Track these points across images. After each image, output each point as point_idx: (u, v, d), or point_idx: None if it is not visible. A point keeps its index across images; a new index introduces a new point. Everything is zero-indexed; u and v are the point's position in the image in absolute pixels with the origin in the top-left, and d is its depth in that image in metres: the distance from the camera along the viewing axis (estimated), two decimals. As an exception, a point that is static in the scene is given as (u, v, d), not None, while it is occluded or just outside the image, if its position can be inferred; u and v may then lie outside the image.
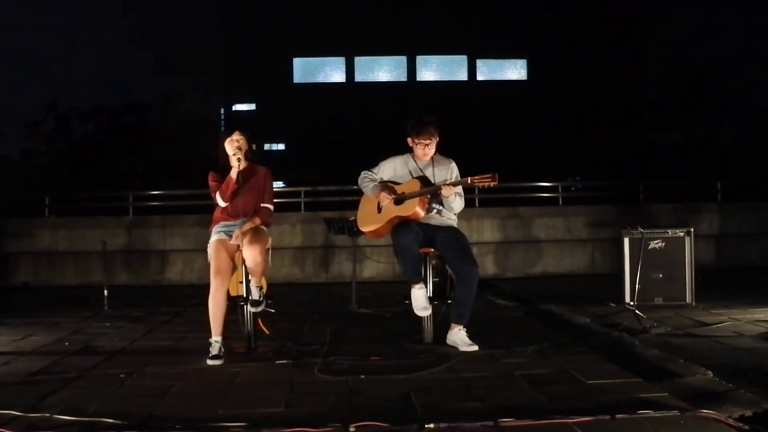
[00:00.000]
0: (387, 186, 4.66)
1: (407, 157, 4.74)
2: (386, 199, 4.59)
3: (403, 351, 4.51)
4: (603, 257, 9.70)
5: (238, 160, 4.48)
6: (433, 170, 4.65)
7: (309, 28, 32.60)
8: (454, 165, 4.70)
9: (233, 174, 4.48)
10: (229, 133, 4.60)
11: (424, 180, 4.62)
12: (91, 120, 22.31)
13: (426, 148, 4.62)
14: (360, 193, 4.93)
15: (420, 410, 3.18)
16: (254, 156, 4.66)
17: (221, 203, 4.54)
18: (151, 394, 3.55)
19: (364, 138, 27.72)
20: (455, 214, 4.72)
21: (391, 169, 4.74)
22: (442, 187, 4.44)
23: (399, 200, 4.60)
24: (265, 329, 4.85)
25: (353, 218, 5.45)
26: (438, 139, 4.64)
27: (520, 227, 9.83)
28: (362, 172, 4.81)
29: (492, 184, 4.29)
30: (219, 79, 34.02)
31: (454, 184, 4.51)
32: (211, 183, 4.61)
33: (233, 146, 4.54)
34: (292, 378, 3.84)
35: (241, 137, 4.58)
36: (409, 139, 4.66)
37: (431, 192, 4.53)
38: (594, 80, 32.12)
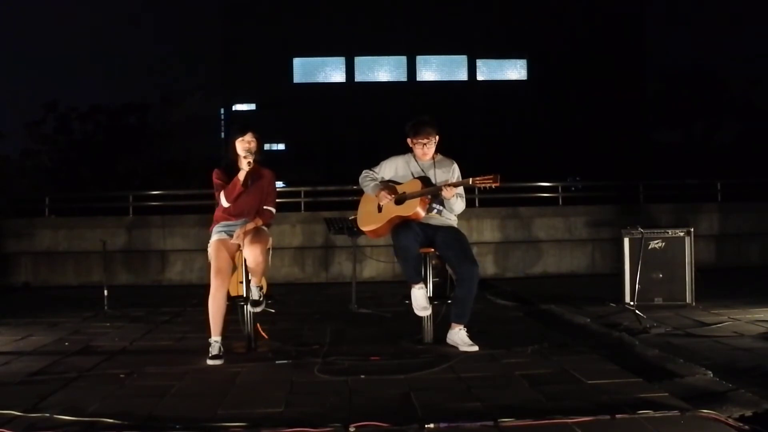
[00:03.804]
0: (388, 185, 4.66)
1: (409, 156, 4.74)
2: (386, 199, 4.59)
3: (403, 351, 4.51)
4: (603, 257, 9.69)
5: (248, 163, 4.43)
6: (435, 171, 4.65)
7: (309, 28, 32.62)
8: (455, 166, 4.70)
9: (241, 176, 4.43)
10: (243, 133, 4.51)
11: (425, 180, 4.61)
12: (91, 120, 22.27)
13: (425, 148, 4.62)
14: (360, 193, 4.92)
15: (420, 410, 3.18)
16: (261, 158, 4.58)
17: (224, 204, 4.50)
18: (151, 394, 3.55)
19: (364, 138, 27.76)
20: (456, 215, 4.72)
21: (392, 168, 4.74)
22: (443, 188, 4.44)
23: (399, 200, 4.60)
24: (263, 333, 4.83)
25: (353, 217, 5.46)
26: (437, 138, 4.64)
27: (520, 227, 9.82)
28: (363, 171, 4.81)
29: (493, 185, 4.30)
30: (219, 79, 34.04)
31: (455, 185, 4.50)
32: (216, 181, 4.56)
33: (244, 147, 4.48)
34: (292, 378, 3.84)
35: (254, 139, 4.51)
36: (409, 140, 4.67)
37: (432, 192, 4.53)
38: (594, 80, 32.14)
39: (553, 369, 3.91)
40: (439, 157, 4.72)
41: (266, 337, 4.85)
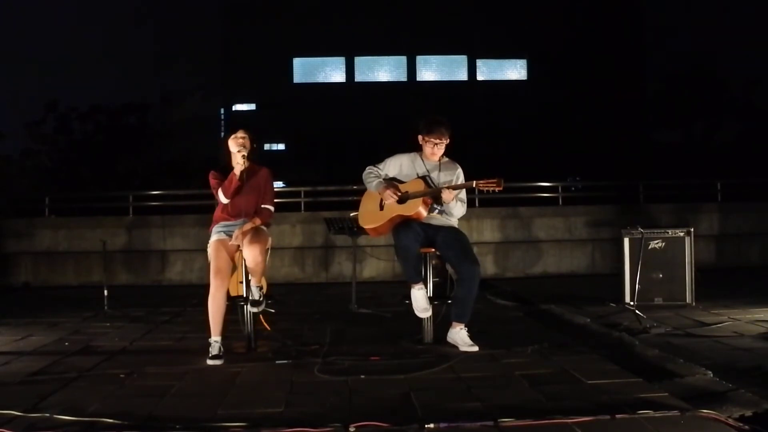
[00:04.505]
0: (391, 184, 4.65)
1: (414, 156, 4.73)
2: (391, 197, 4.58)
3: (403, 351, 4.52)
4: (603, 257, 9.70)
5: (243, 157, 4.45)
6: (439, 173, 4.65)
7: (309, 28, 32.61)
8: (460, 171, 4.69)
9: (237, 171, 4.46)
10: (234, 131, 4.58)
11: (428, 181, 4.61)
12: (91, 120, 22.28)
13: (435, 147, 4.61)
14: (359, 193, 4.92)
15: (420, 410, 3.18)
16: (256, 156, 4.63)
17: (223, 200, 4.52)
18: (151, 394, 3.55)
19: (364, 138, 27.73)
20: (457, 219, 4.71)
21: (396, 166, 4.73)
22: (443, 191, 4.43)
23: (402, 199, 4.59)
24: (266, 325, 4.86)
25: (354, 214, 5.46)
26: (448, 141, 4.64)
27: (520, 227, 9.83)
28: (367, 167, 4.78)
29: (497, 188, 4.31)
30: (219, 79, 34.03)
31: (458, 187, 4.50)
32: (212, 181, 4.60)
33: (237, 144, 4.50)
34: (292, 378, 3.84)
35: (246, 136, 4.55)
36: (420, 136, 4.65)
37: (434, 194, 4.53)
38: (594, 80, 32.13)
39: (553, 369, 3.91)
40: (445, 159, 4.72)
41: (269, 328, 4.86)
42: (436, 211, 4.60)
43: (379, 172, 4.74)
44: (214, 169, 4.66)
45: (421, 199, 4.52)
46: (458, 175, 4.68)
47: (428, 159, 4.67)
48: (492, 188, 4.32)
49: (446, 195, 4.43)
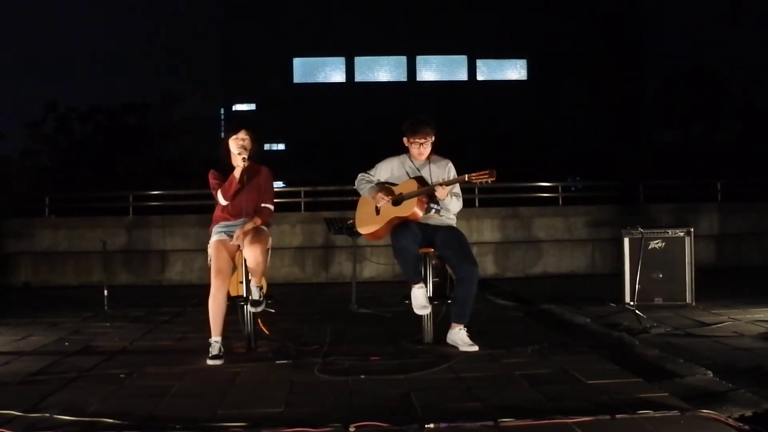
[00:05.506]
0: (384, 187, 4.66)
1: (404, 157, 4.74)
2: (383, 200, 4.58)
3: (403, 351, 4.51)
4: (603, 257, 9.70)
5: (243, 159, 4.45)
6: (430, 170, 4.65)
7: (309, 28, 32.64)
8: (450, 165, 4.71)
9: (237, 173, 4.45)
10: (235, 132, 4.58)
11: (421, 180, 4.61)
12: (91, 120, 22.32)
13: (421, 147, 4.62)
14: (359, 193, 4.92)
15: (420, 410, 3.18)
16: (256, 156, 4.64)
17: (222, 201, 4.52)
18: (151, 394, 3.55)
19: (364, 138, 27.74)
20: (454, 215, 4.72)
21: (387, 170, 4.74)
22: (436, 188, 4.43)
23: (397, 201, 4.59)
24: (264, 329, 4.86)
25: (352, 220, 5.45)
26: (433, 138, 4.64)
27: (520, 227, 9.83)
28: (359, 175, 4.81)
29: (490, 179, 4.28)
30: (219, 79, 34.06)
31: (450, 183, 4.50)
32: (212, 181, 4.59)
33: (238, 145, 4.51)
34: (292, 378, 3.84)
35: (247, 137, 4.55)
36: (405, 139, 4.66)
37: (428, 192, 4.53)
38: (594, 80, 32.15)
39: (553, 369, 3.90)
40: (433, 156, 4.72)
41: (267, 332, 4.86)
42: (433, 210, 4.59)
43: (370, 177, 4.76)
44: (215, 168, 4.66)
45: (416, 199, 4.52)
46: (449, 169, 4.68)
47: (416, 159, 4.68)
48: (485, 180, 4.29)
49: (440, 192, 4.43)
